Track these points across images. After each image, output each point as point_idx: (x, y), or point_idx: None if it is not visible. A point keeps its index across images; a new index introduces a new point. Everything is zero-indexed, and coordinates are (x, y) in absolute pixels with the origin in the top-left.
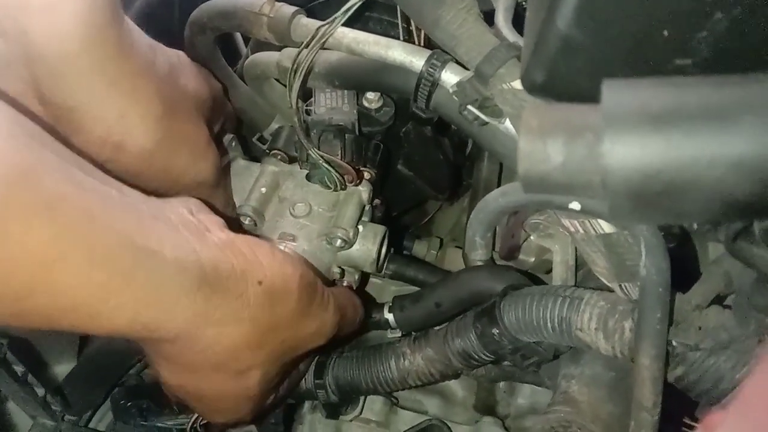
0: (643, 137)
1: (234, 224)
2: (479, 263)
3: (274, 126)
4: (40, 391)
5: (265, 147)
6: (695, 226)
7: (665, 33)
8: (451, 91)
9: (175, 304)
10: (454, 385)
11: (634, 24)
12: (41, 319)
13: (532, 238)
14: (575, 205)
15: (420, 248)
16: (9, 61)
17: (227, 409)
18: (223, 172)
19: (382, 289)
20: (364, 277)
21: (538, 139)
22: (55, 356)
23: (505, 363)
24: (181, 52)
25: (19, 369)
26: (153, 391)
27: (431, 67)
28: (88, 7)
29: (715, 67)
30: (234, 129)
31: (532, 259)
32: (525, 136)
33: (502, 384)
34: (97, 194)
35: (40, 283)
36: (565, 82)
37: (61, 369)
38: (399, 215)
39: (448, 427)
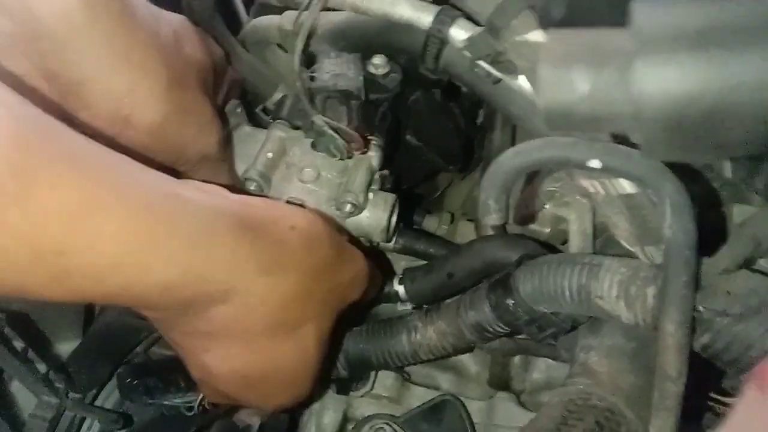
0: (681, 59)
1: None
2: (493, 230)
3: (278, 95)
4: (43, 369)
5: (269, 118)
6: (729, 172)
7: None
8: (461, 46)
9: (223, 248)
10: (467, 360)
11: None
12: (87, 281)
13: (547, 207)
14: (596, 163)
15: (431, 223)
16: (14, 40)
17: (287, 384)
18: (227, 143)
19: (393, 264)
20: (377, 253)
21: (561, 67)
22: (59, 334)
23: (521, 335)
24: (183, 18)
25: (19, 345)
26: (160, 368)
27: (440, 24)
28: None
29: None
30: (238, 95)
31: (548, 230)
32: (547, 64)
33: (516, 359)
34: (116, 155)
35: (76, 236)
36: (588, 14)
37: (66, 347)
38: (409, 188)
39: (462, 403)
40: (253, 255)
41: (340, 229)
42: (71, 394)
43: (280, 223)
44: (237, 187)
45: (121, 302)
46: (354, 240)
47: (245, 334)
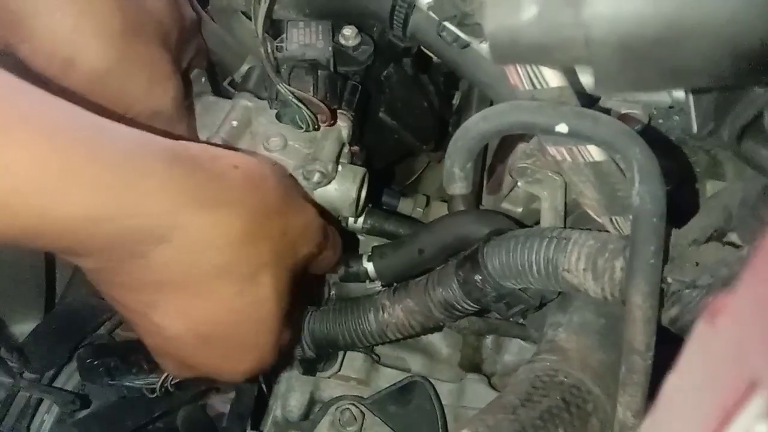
0: None
1: None
2: (461, 203)
3: (245, 68)
4: None
5: (235, 90)
6: (695, 126)
7: None
8: (426, 7)
9: (154, 178)
10: (439, 342)
11: None
12: (2, 212)
13: (519, 184)
14: (563, 128)
15: (406, 205)
16: None
17: (247, 342)
18: (188, 109)
19: (366, 246)
20: (343, 231)
21: None
22: (17, 316)
23: (489, 314)
24: None
25: None
26: (122, 349)
27: None
28: None
29: None
30: (204, 65)
31: (520, 209)
32: None
33: (488, 341)
34: (22, 82)
35: None
36: None
37: (25, 327)
38: (384, 169)
39: (431, 385)
40: (191, 187)
41: (292, 179)
42: (26, 374)
43: (220, 160)
44: None
45: (46, 241)
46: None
47: (194, 280)
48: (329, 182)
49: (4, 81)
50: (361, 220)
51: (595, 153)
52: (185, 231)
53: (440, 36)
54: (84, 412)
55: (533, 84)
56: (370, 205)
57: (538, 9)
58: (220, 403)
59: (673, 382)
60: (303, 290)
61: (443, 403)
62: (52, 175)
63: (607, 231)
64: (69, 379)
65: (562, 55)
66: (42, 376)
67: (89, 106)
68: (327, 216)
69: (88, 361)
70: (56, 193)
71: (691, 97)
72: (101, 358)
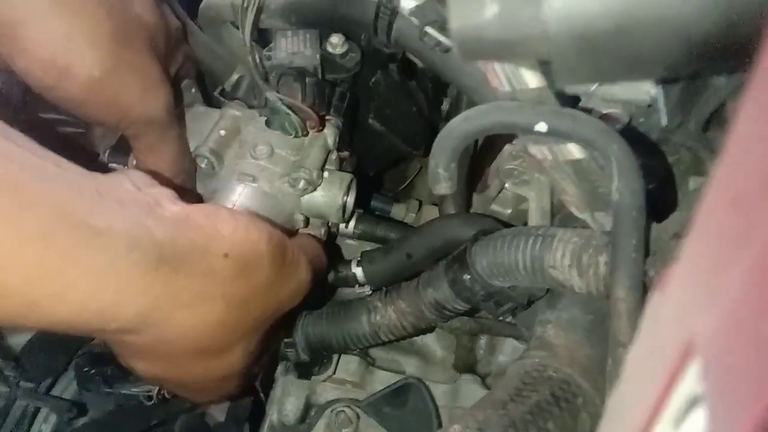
0: None
1: (189, 175)
2: (449, 206)
3: (235, 77)
4: None
5: (226, 100)
6: (665, 119)
7: None
8: (408, 13)
9: (131, 286)
10: (433, 344)
11: None
12: None
13: (507, 186)
14: (542, 126)
15: (398, 211)
16: None
17: (214, 389)
18: (179, 118)
19: (355, 252)
20: (331, 236)
21: None
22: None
23: (480, 313)
24: None
25: None
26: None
27: None
28: None
29: None
30: (194, 74)
31: (509, 210)
32: None
33: (482, 342)
34: (28, 165)
35: None
36: None
37: (21, 339)
38: (375, 175)
39: (426, 386)
40: (171, 290)
41: (288, 242)
42: (23, 384)
43: (211, 249)
44: (189, 158)
45: (31, 325)
46: (306, 222)
47: (167, 356)
48: (315, 189)
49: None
50: (352, 225)
51: (575, 151)
52: (159, 326)
53: (422, 41)
54: (81, 420)
55: (513, 85)
56: (361, 211)
57: (500, 7)
58: (218, 411)
59: (633, 352)
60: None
61: (438, 404)
62: (26, 282)
63: (586, 225)
64: (66, 387)
65: (524, 50)
66: (39, 385)
67: (86, 117)
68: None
69: (85, 369)
70: (25, 297)
71: (660, 92)
72: (98, 366)
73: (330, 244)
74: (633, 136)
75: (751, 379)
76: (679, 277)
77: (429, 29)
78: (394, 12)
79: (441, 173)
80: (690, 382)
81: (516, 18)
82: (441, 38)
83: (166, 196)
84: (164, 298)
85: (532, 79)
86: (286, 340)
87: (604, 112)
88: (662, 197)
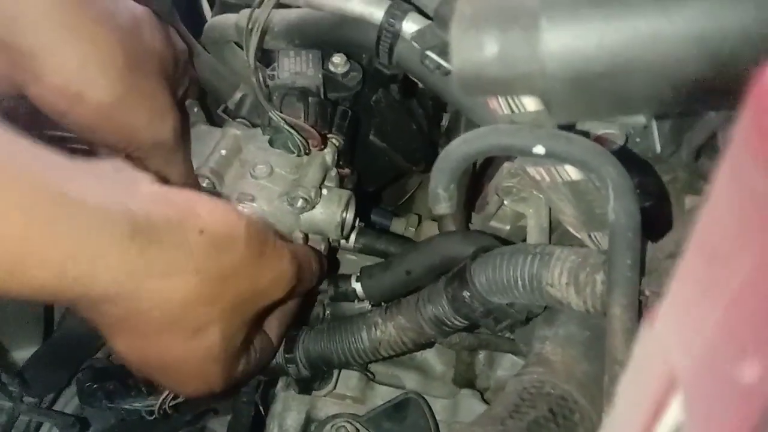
0: (581, 15)
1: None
2: (449, 223)
3: (238, 95)
4: None
5: (229, 118)
6: (658, 147)
7: None
8: (409, 37)
9: (107, 254)
10: (432, 359)
11: None
12: None
13: (506, 203)
14: (539, 149)
15: (398, 225)
16: None
17: (194, 376)
18: (185, 140)
19: (357, 265)
20: (332, 251)
21: (471, 27)
22: (18, 342)
23: (480, 329)
24: (147, 9)
25: None
26: (120, 372)
27: (392, 17)
28: None
29: None
30: (197, 95)
31: (508, 227)
32: (458, 25)
33: (481, 357)
34: (6, 141)
35: None
36: None
37: (24, 354)
38: (376, 191)
39: (425, 401)
40: (143, 260)
41: (269, 231)
42: (26, 399)
43: (185, 225)
44: (193, 178)
45: (14, 293)
46: (306, 238)
47: (139, 330)
48: (313, 207)
49: None
50: (353, 239)
51: (572, 172)
52: (132, 296)
53: (423, 64)
54: None
55: (511, 108)
56: (362, 224)
57: (499, 47)
58: (219, 426)
59: (625, 379)
60: (290, 314)
61: (438, 419)
62: (7, 250)
63: (583, 244)
64: (68, 402)
65: (521, 87)
66: (42, 400)
67: (97, 142)
68: (304, 246)
69: (87, 384)
70: (10, 262)
71: (654, 122)
72: (100, 381)
73: (330, 258)
74: (629, 156)
75: (725, 414)
76: (665, 315)
77: (430, 53)
78: (396, 35)
79: (441, 194)
80: (674, 412)
81: (515, 58)
82: (441, 62)
83: (143, 178)
84: (138, 268)
85: (530, 103)
86: (286, 355)
87: (601, 133)
88: (658, 216)
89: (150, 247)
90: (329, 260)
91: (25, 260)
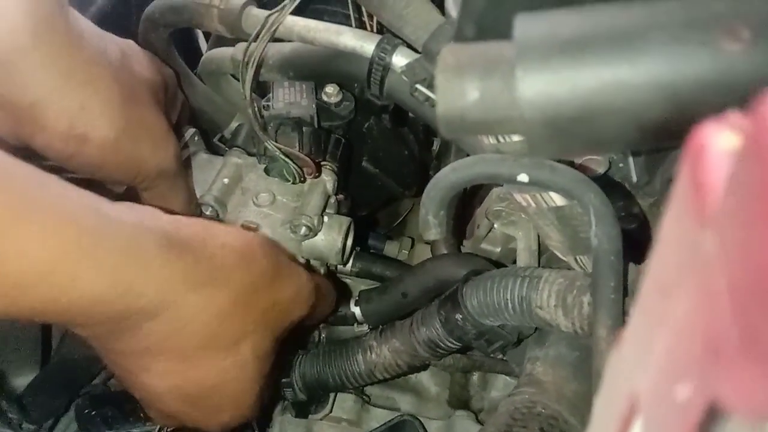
0: (553, 64)
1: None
2: (441, 247)
3: (234, 125)
4: None
5: (225, 146)
6: (634, 176)
7: None
8: (399, 71)
9: (151, 262)
10: (427, 381)
11: None
12: (15, 290)
13: (496, 226)
14: (524, 177)
15: (391, 248)
16: None
17: (229, 402)
18: (184, 165)
19: (353, 289)
20: (331, 276)
21: (454, 76)
22: (15, 368)
23: (473, 351)
24: (130, 41)
25: None
26: (119, 398)
27: (382, 52)
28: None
29: None
30: (191, 121)
31: (499, 249)
32: (442, 73)
33: (475, 378)
34: (44, 174)
35: (4, 243)
36: (493, 34)
37: (22, 381)
38: (369, 215)
39: (420, 423)
40: (182, 270)
41: (281, 248)
42: (25, 425)
43: (209, 241)
44: (195, 203)
45: (51, 316)
46: (308, 265)
47: (180, 349)
48: (316, 234)
49: (21, 172)
50: (349, 264)
51: (556, 199)
52: (175, 308)
53: (413, 96)
54: None
55: (497, 138)
56: (358, 249)
57: (480, 94)
58: None
59: (597, 402)
60: (294, 341)
61: None
62: (63, 261)
63: (570, 267)
64: (67, 429)
65: (501, 129)
66: (41, 427)
67: (105, 178)
68: (317, 272)
69: (86, 411)
70: (66, 276)
71: (630, 155)
72: (98, 407)
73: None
74: (611, 183)
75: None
76: (627, 340)
77: (419, 86)
78: (386, 68)
79: (431, 220)
80: None
81: (494, 104)
82: (430, 94)
83: (156, 209)
84: (178, 278)
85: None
86: (283, 380)
87: (585, 159)
88: (641, 239)
89: (186, 256)
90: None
91: (80, 270)
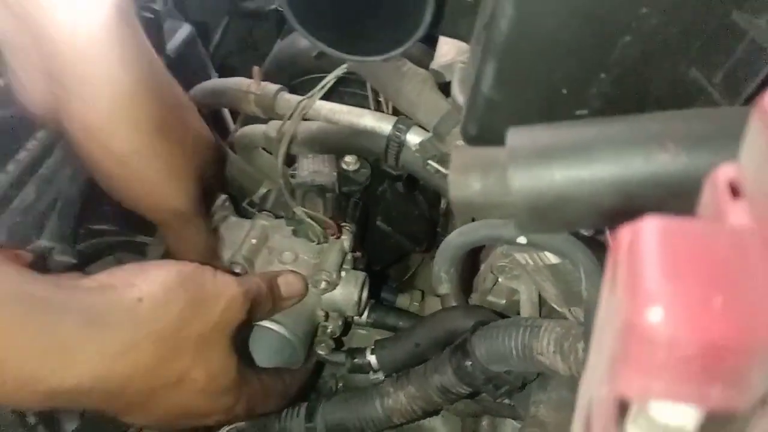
0: (535, 166)
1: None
2: (450, 299)
3: (263, 191)
4: None
5: (254, 210)
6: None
7: (564, 91)
8: (414, 149)
9: (74, 343)
10: (440, 427)
11: (539, 86)
12: None
13: (500, 280)
14: (522, 240)
15: (403, 300)
16: (24, 45)
17: (209, 411)
18: (202, 214)
19: (368, 339)
20: (347, 327)
21: (462, 173)
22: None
23: (482, 396)
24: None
25: (33, 419)
26: None
27: (398, 131)
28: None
29: (607, 113)
30: (219, 186)
31: (503, 301)
32: (453, 171)
33: (485, 422)
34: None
35: None
36: (492, 133)
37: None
38: (382, 269)
39: None
40: (101, 344)
41: (204, 270)
42: None
43: (126, 299)
44: (211, 248)
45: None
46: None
47: (135, 404)
48: (334, 288)
49: None
50: (365, 315)
51: (551, 257)
52: (104, 381)
53: (425, 169)
54: None
55: None
56: (372, 301)
57: (481, 186)
58: None
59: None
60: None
61: None
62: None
63: (565, 317)
64: None
65: (498, 212)
66: None
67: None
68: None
69: None
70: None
71: None
72: None
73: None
74: (597, 241)
75: None
76: (587, 375)
77: (430, 161)
78: (402, 145)
79: (443, 276)
80: None
81: (492, 194)
82: (440, 168)
83: (82, 279)
84: (98, 358)
85: None
86: (307, 425)
87: None
88: None
89: (104, 330)
90: (341, 337)
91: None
